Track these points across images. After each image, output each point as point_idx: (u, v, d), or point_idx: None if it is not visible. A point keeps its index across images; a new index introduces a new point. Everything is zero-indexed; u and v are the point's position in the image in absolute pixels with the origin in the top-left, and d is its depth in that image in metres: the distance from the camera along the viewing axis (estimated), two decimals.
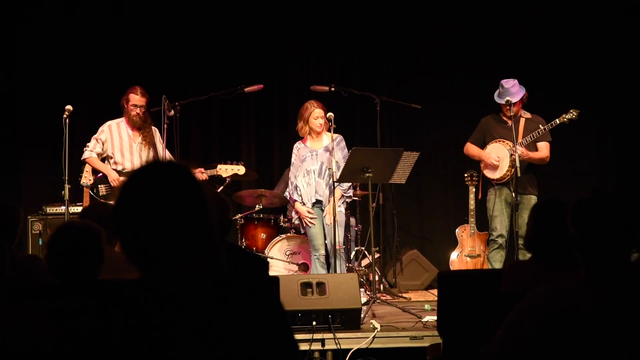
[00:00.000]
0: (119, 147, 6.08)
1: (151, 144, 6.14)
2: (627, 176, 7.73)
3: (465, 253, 7.04)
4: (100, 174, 6.04)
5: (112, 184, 6.01)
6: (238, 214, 6.87)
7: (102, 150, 6.09)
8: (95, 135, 6.09)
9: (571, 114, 6.07)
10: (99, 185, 6.00)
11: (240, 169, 6.25)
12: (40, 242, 6.24)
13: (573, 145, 7.49)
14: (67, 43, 7.52)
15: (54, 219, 6.29)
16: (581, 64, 7.75)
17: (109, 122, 6.15)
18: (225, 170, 6.21)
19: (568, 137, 6.61)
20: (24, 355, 2.08)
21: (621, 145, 7.87)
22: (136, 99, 6.07)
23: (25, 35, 7.54)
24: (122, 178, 5.99)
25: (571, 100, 7.55)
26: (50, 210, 6.39)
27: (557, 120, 6.10)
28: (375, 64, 7.93)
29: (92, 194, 5.92)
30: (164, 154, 6.13)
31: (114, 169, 6.06)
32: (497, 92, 6.29)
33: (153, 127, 6.19)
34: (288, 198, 6.37)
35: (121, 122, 6.15)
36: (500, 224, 6.35)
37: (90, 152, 6.05)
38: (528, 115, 6.34)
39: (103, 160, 6.13)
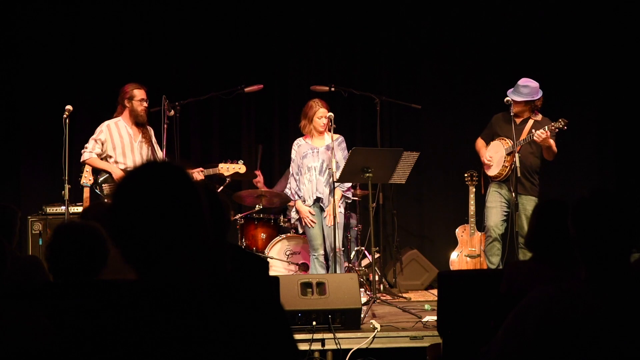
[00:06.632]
0: (120, 146, 5.99)
1: (150, 142, 6.10)
2: (627, 176, 7.72)
3: (465, 253, 7.04)
4: (105, 174, 5.94)
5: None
6: (238, 214, 6.87)
7: (102, 150, 5.99)
8: (93, 136, 5.97)
9: (559, 124, 5.99)
10: (103, 185, 5.91)
11: (242, 168, 6.26)
12: (40, 242, 6.23)
13: (572, 145, 7.48)
14: (67, 43, 7.52)
15: (54, 219, 6.28)
16: (581, 64, 7.75)
17: (106, 122, 6.05)
18: (227, 169, 6.20)
19: (567, 137, 6.60)
20: (24, 355, 2.07)
21: (620, 145, 7.87)
22: (142, 93, 6.02)
23: (26, 35, 7.53)
24: None
25: (571, 100, 7.56)
26: (50, 210, 6.38)
27: (545, 128, 6.00)
28: (375, 64, 7.92)
29: (97, 192, 5.86)
30: (162, 153, 6.11)
31: None
32: (512, 88, 6.25)
33: (148, 126, 6.15)
34: (289, 195, 6.34)
35: (119, 121, 6.06)
36: (494, 216, 6.27)
37: (90, 153, 5.94)
38: (538, 117, 6.25)
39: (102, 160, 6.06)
